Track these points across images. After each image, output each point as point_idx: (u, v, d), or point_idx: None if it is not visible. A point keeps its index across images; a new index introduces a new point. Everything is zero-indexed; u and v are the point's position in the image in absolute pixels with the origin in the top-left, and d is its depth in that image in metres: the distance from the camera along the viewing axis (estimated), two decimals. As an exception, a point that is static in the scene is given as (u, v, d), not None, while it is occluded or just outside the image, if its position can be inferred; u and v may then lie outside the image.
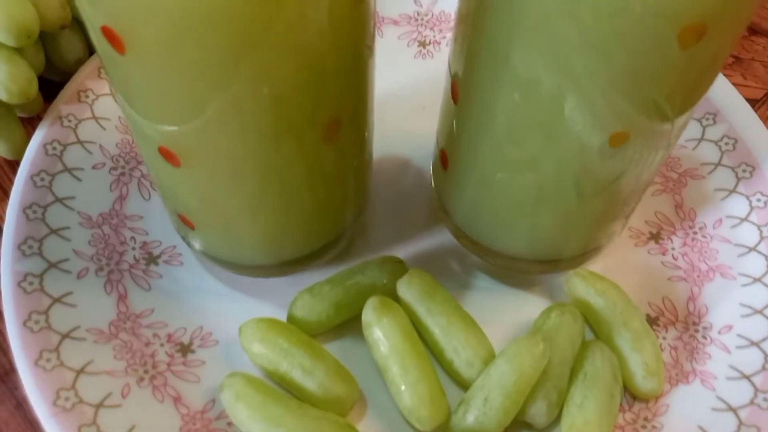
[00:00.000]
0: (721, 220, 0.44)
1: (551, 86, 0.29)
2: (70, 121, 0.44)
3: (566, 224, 0.37)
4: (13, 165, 0.47)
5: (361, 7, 0.27)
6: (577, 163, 0.32)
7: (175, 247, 0.42)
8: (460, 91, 0.34)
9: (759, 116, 0.53)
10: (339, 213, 0.38)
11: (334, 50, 0.27)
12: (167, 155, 0.31)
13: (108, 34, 0.25)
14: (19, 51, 0.42)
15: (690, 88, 0.29)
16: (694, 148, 0.48)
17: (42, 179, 0.41)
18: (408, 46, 0.55)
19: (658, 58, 0.26)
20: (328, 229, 0.38)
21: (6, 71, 0.40)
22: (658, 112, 0.29)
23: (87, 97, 0.45)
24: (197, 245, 0.38)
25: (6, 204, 0.45)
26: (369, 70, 0.32)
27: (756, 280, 0.41)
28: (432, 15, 0.56)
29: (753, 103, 0.53)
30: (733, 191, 0.45)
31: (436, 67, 0.54)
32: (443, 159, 0.39)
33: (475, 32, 0.31)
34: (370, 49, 0.31)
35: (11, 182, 0.46)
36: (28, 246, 0.38)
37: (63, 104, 0.44)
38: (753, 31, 0.58)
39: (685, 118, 0.32)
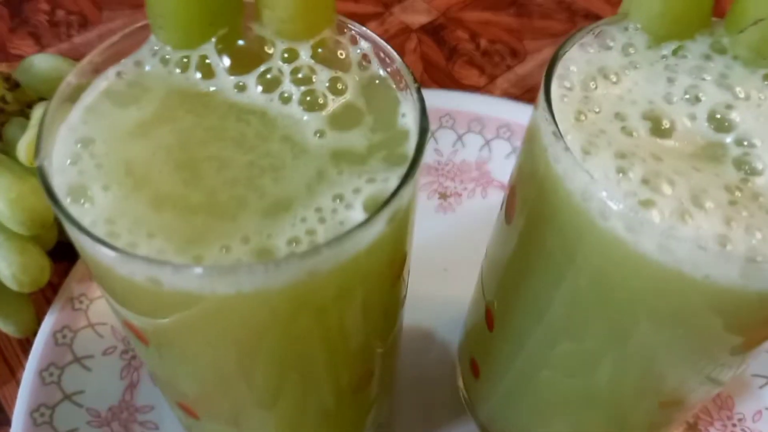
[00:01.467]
0: (760, 413, 0.42)
1: (598, 351, 0.27)
2: (81, 302, 0.42)
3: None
4: (22, 341, 0.45)
5: (398, 283, 0.26)
6: (622, 418, 0.30)
7: (187, 442, 0.40)
8: (496, 320, 0.32)
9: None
10: (362, 424, 0.36)
11: (372, 328, 0.26)
12: (186, 409, 0.29)
13: (132, 328, 0.24)
14: (33, 236, 0.40)
15: (745, 363, 0.27)
16: (727, 325, 0.46)
17: (51, 374, 0.39)
18: (428, 198, 0.53)
19: (717, 354, 0.25)
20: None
21: (18, 263, 0.39)
22: (711, 383, 0.27)
23: (100, 272, 0.43)
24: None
25: (12, 386, 0.43)
26: (401, 318, 0.30)
27: (801, 488, 0.39)
28: (453, 164, 0.55)
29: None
30: (771, 379, 0.43)
31: (457, 222, 0.53)
32: (473, 367, 0.37)
33: (522, 277, 0.29)
34: (403, 301, 0.29)
35: (19, 359, 0.45)
36: (34, 458, 0.36)
37: (75, 283, 0.42)
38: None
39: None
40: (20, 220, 0.38)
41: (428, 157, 0.55)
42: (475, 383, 0.38)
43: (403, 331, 0.45)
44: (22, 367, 0.40)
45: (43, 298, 0.47)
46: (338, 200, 0.22)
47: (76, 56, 0.56)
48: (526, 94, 0.63)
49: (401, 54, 0.65)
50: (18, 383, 0.40)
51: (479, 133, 0.55)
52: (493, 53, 0.66)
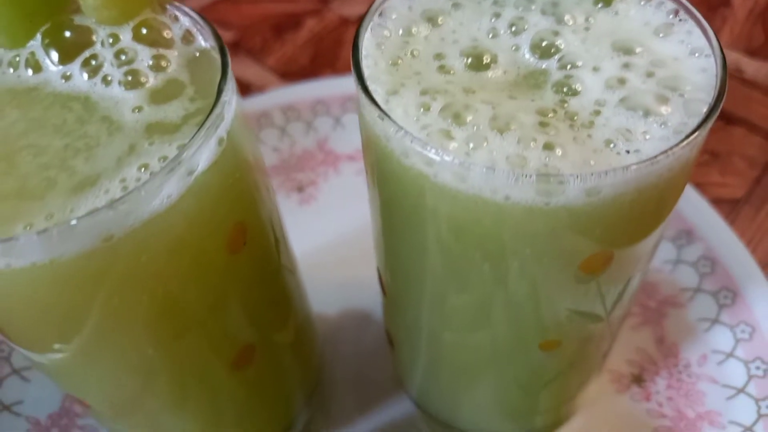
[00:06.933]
0: (705, 356, 0.41)
1: (473, 297, 0.27)
2: (18, 317, 0.43)
3: (518, 403, 0.34)
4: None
5: (244, 254, 0.26)
6: (511, 366, 0.29)
7: (126, 443, 0.40)
8: (386, 284, 0.32)
9: (744, 218, 0.50)
10: (282, 406, 0.36)
11: (216, 302, 0.26)
12: (78, 401, 0.29)
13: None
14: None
15: (613, 296, 0.26)
16: (671, 272, 0.45)
17: (-11, 388, 0.40)
18: (288, 197, 0.52)
19: (561, 285, 0.24)
20: (275, 420, 0.36)
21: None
22: (582, 318, 0.27)
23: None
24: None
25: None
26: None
27: (747, 429, 0.37)
28: (296, 157, 0.53)
29: (734, 204, 0.50)
30: (715, 321, 0.42)
31: (327, 206, 0.51)
32: (389, 337, 0.37)
33: (385, 236, 0.29)
34: (275, 276, 0.29)
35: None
36: (-28, 469, 0.37)
37: (11, 300, 0.43)
38: (728, 120, 0.55)
39: (623, 310, 0.29)
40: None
41: (269, 158, 0.53)
42: (393, 355, 0.37)
43: (340, 315, 0.46)
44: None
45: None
46: (143, 169, 0.22)
47: None
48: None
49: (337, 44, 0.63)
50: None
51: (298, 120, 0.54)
52: (432, 33, 0.66)
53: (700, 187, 0.48)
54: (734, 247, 0.43)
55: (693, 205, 0.45)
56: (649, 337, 0.43)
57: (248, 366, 0.29)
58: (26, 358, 0.41)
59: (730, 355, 0.40)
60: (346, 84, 0.57)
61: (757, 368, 0.39)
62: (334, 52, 0.64)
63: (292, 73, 0.63)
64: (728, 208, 0.49)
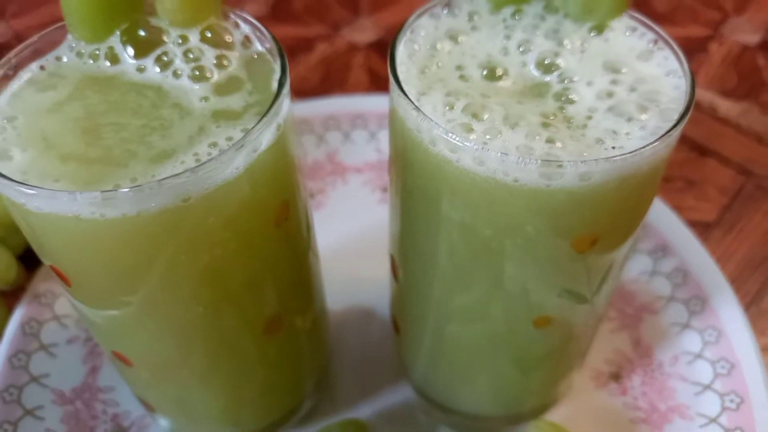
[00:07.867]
0: (677, 357, 0.45)
1: (474, 283, 0.31)
2: (47, 297, 0.46)
3: (511, 383, 0.38)
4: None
5: (284, 228, 0.30)
6: (508, 342, 0.34)
7: (144, 416, 0.43)
8: (399, 269, 0.36)
9: (714, 239, 0.55)
10: (295, 385, 0.40)
11: (258, 267, 0.30)
12: (120, 357, 0.33)
13: (56, 271, 0.28)
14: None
15: (597, 278, 0.31)
16: (647, 282, 0.49)
17: (19, 359, 0.43)
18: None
19: (556, 261, 0.28)
20: (287, 399, 0.40)
21: (-15, 261, 0.43)
22: (572, 298, 0.31)
23: (65, 271, 0.48)
24: (162, 422, 0.40)
25: (-13, 379, 0.47)
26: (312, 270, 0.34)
27: (712, 420, 0.42)
28: (306, 166, 0.58)
29: (705, 226, 0.55)
30: (686, 326, 0.46)
31: (335, 211, 0.56)
32: (395, 324, 0.41)
33: (402, 221, 0.33)
34: (304, 253, 0.33)
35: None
36: (3, 430, 0.40)
37: (41, 281, 0.47)
38: (702, 152, 0.61)
39: (606, 295, 0.33)
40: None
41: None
42: (398, 341, 0.41)
43: (347, 311, 0.50)
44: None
45: (16, 300, 0.51)
46: (213, 146, 0.26)
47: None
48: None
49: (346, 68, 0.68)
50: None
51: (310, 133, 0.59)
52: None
53: (677, 210, 0.53)
54: (704, 260, 0.48)
55: (669, 223, 0.50)
56: (626, 340, 0.47)
57: (276, 333, 0.33)
58: (56, 333, 0.45)
59: (699, 356, 0.45)
60: (356, 103, 0.62)
61: (722, 367, 0.44)
62: (343, 75, 0.69)
63: (304, 92, 0.68)
64: (701, 229, 0.54)
